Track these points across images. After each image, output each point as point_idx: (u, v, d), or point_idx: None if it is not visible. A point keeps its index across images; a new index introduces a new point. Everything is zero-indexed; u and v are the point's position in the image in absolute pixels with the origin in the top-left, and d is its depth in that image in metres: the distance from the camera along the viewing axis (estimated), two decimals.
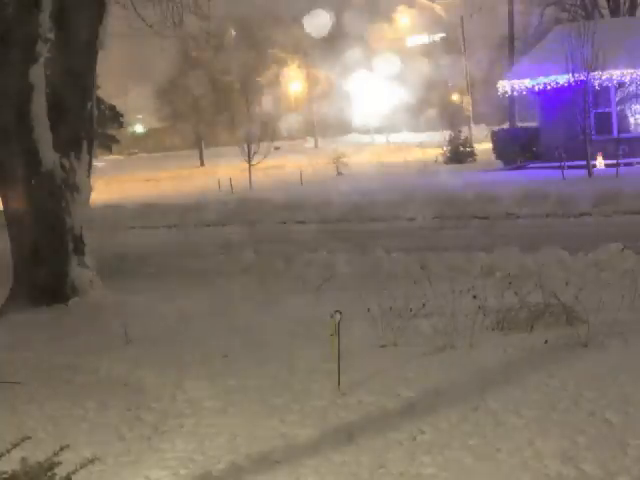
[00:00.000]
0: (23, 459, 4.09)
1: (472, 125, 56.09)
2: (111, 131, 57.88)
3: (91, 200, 13.32)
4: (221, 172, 44.65)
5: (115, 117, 56.58)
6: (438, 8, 77.11)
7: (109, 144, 59.04)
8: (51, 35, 12.66)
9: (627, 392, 6.86)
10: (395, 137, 76.88)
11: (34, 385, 8.33)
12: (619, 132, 34.92)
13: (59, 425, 7.09)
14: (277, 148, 57.09)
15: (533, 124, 42.22)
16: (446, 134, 48.20)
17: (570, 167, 30.92)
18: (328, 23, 52.18)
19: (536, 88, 36.39)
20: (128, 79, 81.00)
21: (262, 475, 5.81)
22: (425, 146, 57.00)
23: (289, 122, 74.89)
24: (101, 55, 13.12)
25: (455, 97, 75.06)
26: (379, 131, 79.54)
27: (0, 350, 10.11)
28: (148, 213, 27.52)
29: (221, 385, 7.86)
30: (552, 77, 34.80)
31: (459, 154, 46.05)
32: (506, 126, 47.81)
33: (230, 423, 6.85)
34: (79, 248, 12.65)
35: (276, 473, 5.82)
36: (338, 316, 7.40)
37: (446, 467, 5.71)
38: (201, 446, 6.37)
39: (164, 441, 6.53)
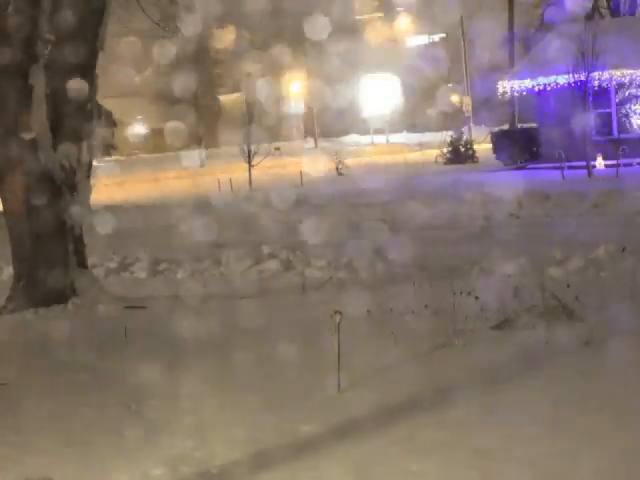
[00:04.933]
0: None
1: (472, 125, 56.04)
2: (107, 135, 57.93)
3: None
4: (221, 172, 44.67)
5: (109, 122, 56.66)
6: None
7: (108, 150, 59.17)
8: (51, 35, 12.63)
9: (627, 390, 6.87)
10: (395, 138, 76.86)
11: (33, 384, 8.34)
12: (619, 132, 34.93)
13: (59, 422, 7.10)
14: (277, 149, 57.06)
15: (533, 125, 42.23)
16: (446, 135, 48.19)
17: (570, 167, 30.93)
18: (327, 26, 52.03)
19: (536, 88, 36.40)
20: (128, 80, 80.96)
21: (261, 472, 5.82)
22: (425, 147, 56.99)
23: (289, 122, 74.91)
24: (101, 55, 13.11)
25: (455, 98, 75.06)
26: (379, 132, 79.54)
27: (0, 350, 10.12)
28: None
29: (221, 382, 7.87)
30: (552, 77, 34.81)
31: (459, 155, 46.03)
32: (506, 127, 47.82)
33: (230, 420, 6.86)
34: (79, 249, 12.64)
35: (275, 470, 5.83)
36: (338, 316, 7.41)
37: (445, 464, 5.72)
38: (201, 443, 6.38)
39: (164, 438, 6.54)
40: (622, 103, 35.64)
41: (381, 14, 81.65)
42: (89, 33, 12.71)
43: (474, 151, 46.44)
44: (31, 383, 8.38)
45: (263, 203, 27.12)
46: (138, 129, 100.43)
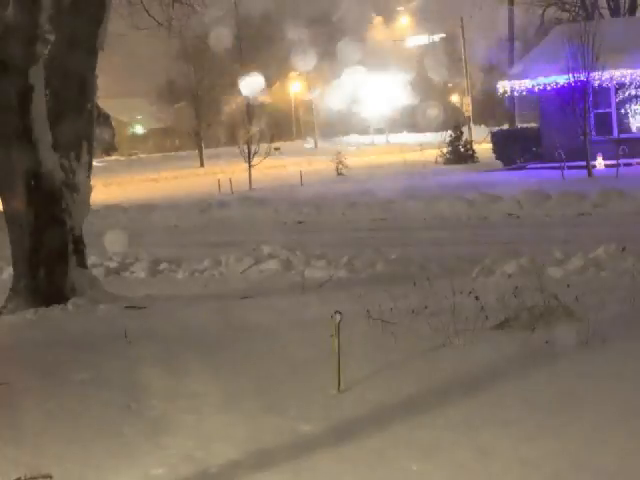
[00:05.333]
0: None
1: (472, 125, 56.10)
2: (107, 135, 58.09)
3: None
4: (221, 172, 44.69)
5: (109, 122, 56.77)
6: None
7: (108, 150, 59.30)
8: (51, 35, 12.63)
9: (627, 390, 6.87)
10: (395, 138, 76.94)
11: (33, 384, 8.34)
12: (619, 132, 34.97)
13: (59, 422, 7.10)
14: (277, 149, 57.13)
15: (533, 125, 42.26)
16: (446, 135, 48.24)
17: (570, 167, 30.97)
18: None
19: (536, 89, 36.44)
20: (128, 80, 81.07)
21: (262, 471, 5.83)
22: (425, 147, 57.04)
23: (290, 122, 74.90)
24: (101, 55, 13.10)
25: (455, 98, 75.11)
26: (379, 132, 79.63)
27: (0, 350, 10.13)
28: None
29: (221, 382, 7.87)
30: (552, 77, 34.84)
31: (459, 155, 46.07)
32: (506, 127, 47.86)
33: (230, 419, 6.86)
34: (79, 249, 12.64)
35: (276, 469, 5.83)
36: (338, 316, 7.42)
37: (445, 464, 5.72)
38: (201, 442, 6.38)
39: (164, 437, 6.54)
40: (622, 103, 35.67)
41: (381, 14, 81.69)
42: (89, 33, 12.71)
43: (474, 151, 46.48)
44: (31, 383, 8.37)
45: (262, 203, 27.15)
46: (138, 129, 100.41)
